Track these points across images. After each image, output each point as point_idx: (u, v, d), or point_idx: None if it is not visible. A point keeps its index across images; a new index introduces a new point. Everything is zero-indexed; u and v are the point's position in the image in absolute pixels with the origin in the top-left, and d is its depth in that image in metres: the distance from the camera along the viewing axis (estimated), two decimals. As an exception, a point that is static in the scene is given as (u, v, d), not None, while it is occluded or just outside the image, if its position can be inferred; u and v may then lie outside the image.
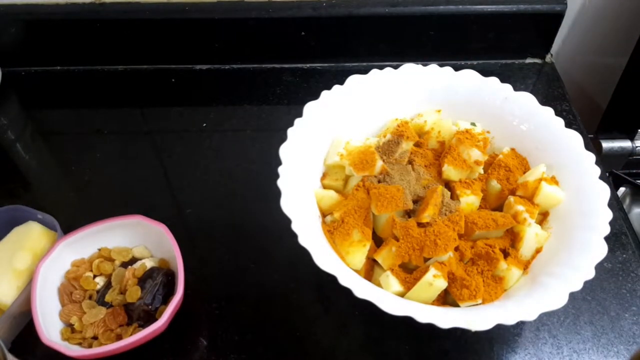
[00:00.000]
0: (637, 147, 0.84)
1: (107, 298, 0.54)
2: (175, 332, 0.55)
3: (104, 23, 0.76)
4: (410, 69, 0.62)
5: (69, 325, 0.53)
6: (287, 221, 0.48)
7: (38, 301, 0.51)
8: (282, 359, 0.54)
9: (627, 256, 0.61)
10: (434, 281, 0.49)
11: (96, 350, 0.50)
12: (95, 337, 0.52)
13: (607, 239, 0.48)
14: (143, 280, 0.54)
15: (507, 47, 0.82)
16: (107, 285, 0.55)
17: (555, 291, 0.46)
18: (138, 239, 0.58)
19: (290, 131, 0.55)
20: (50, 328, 0.51)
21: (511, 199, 0.55)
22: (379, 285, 0.51)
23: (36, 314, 0.50)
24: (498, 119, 0.60)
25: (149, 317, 0.53)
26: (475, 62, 0.83)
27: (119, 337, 0.52)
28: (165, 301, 0.53)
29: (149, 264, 0.56)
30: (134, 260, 0.57)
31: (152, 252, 0.58)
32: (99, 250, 0.57)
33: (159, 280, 0.54)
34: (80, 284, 0.55)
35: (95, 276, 0.56)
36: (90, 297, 0.55)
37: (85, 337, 0.52)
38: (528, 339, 0.55)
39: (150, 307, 0.53)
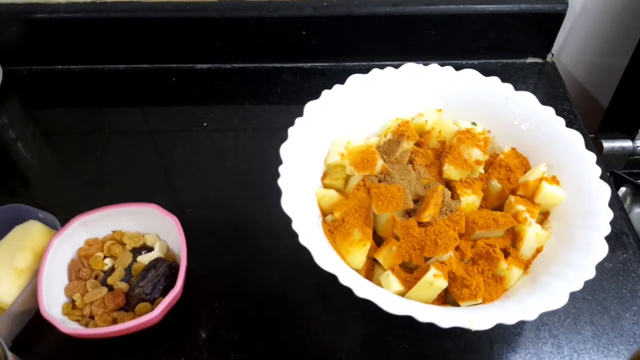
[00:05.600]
0: (638, 147, 0.84)
1: (109, 281, 0.55)
2: (175, 331, 0.55)
3: (105, 22, 0.76)
4: (411, 69, 0.62)
5: (72, 301, 0.55)
6: (288, 220, 0.48)
7: (45, 273, 0.53)
8: (282, 358, 0.54)
9: (628, 256, 0.61)
10: (434, 281, 0.49)
11: (89, 330, 0.51)
12: (92, 317, 0.54)
13: (607, 238, 0.48)
14: (146, 269, 0.55)
15: (508, 46, 0.81)
16: (113, 268, 0.57)
17: (556, 291, 0.46)
18: (150, 227, 0.59)
19: (290, 130, 0.55)
20: (53, 301, 0.53)
21: (512, 198, 0.55)
22: (379, 284, 0.51)
23: (41, 285, 0.52)
24: (499, 119, 0.60)
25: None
26: (476, 62, 0.83)
27: (115, 322, 0.53)
28: (165, 293, 0.53)
29: (155, 254, 0.57)
30: (144, 246, 0.58)
31: (162, 242, 0.59)
32: (113, 232, 0.59)
33: (162, 271, 0.54)
34: (89, 262, 0.57)
35: (105, 257, 0.58)
36: (96, 277, 0.56)
37: (83, 314, 0.53)
38: (528, 338, 0.55)
39: (148, 296, 0.53)
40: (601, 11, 0.81)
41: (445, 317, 0.44)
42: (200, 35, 0.79)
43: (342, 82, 0.60)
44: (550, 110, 0.58)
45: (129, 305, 0.54)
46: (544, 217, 0.56)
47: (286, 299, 0.58)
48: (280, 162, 0.52)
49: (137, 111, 0.78)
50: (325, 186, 0.58)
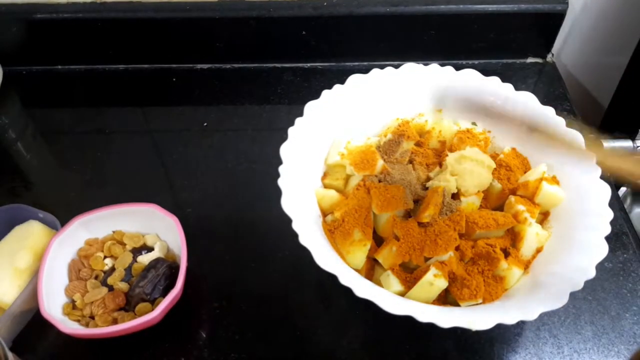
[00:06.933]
0: (638, 146, 0.83)
1: (109, 281, 0.55)
2: (175, 331, 0.55)
3: (105, 22, 0.76)
4: (411, 69, 0.62)
5: (72, 301, 0.55)
6: (288, 220, 0.48)
7: (45, 273, 0.53)
8: (282, 358, 0.54)
9: (628, 256, 0.61)
10: (434, 281, 0.49)
11: (89, 330, 0.51)
12: (92, 317, 0.53)
13: (607, 238, 0.48)
14: (146, 269, 0.55)
15: (508, 46, 0.81)
16: (114, 268, 0.57)
17: (556, 291, 0.46)
18: (151, 227, 0.59)
19: (291, 130, 0.55)
20: (53, 301, 0.53)
21: (512, 198, 0.55)
22: (379, 284, 0.51)
23: (41, 285, 0.52)
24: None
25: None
26: (476, 62, 0.83)
27: (115, 322, 0.53)
28: (165, 294, 0.53)
29: (156, 254, 0.57)
30: (144, 246, 0.58)
31: (162, 242, 0.59)
32: (113, 232, 0.59)
33: (162, 271, 0.54)
34: (89, 262, 0.56)
35: (105, 257, 0.58)
36: (96, 277, 0.56)
37: (84, 314, 0.53)
38: (529, 338, 0.55)
39: (148, 296, 0.53)
40: (601, 11, 0.81)
41: (446, 317, 0.44)
42: (200, 35, 0.79)
43: (342, 82, 0.60)
44: (550, 110, 0.58)
45: (129, 305, 0.54)
46: (544, 217, 0.56)
47: (286, 299, 0.58)
48: (280, 162, 0.52)
49: (137, 111, 0.78)
50: (326, 186, 0.58)
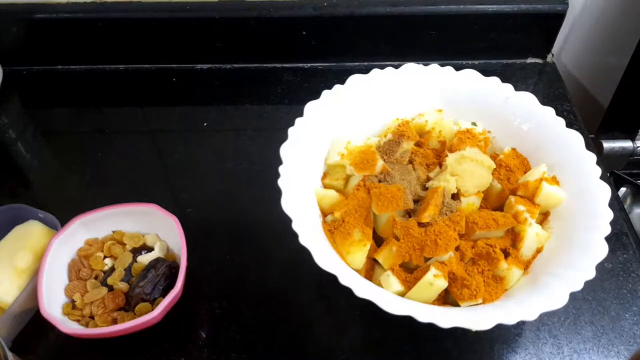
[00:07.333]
0: (638, 147, 0.83)
1: (109, 281, 0.55)
2: (176, 331, 0.55)
3: (105, 22, 0.76)
4: (411, 69, 0.62)
5: (72, 301, 0.55)
6: (288, 221, 0.48)
7: (46, 273, 0.53)
8: (282, 358, 0.54)
9: (628, 256, 0.61)
10: (434, 281, 0.49)
11: (89, 330, 0.51)
12: (92, 317, 0.54)
13: (607, 239, 0.48)
14: (146, 269, 0.55)
15: (508, 46, 0.81)
16: (114, 268, 0.57)
17: (556, 291, 0.46)
18: (150, 227, 0.59)
19: (291, 131, 0.55)
20: (53, 301, 0.53)
21: (512, 198, 0.55)
22: (379, 284, 0.51)
23: (41, 285, 0.52)
24: (499, 119, 0.60)
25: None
26: (476, 62, 0.83)
27: (115, 322, 0.53)
28: (165, 293, 0.53)
29: (156, 254, 0.57)
30: (144, 246, 0.58)
31: (162, 242, 0.59)
32: (113, 232, 0.59)
33: (162, 271, 0.54)
34: (89, 262, 0.57)
35: (105, 257, 0.58)
36: (96, 277, 0.56)
37: (83, 314, 0.53)
38: (528, 338, 0.55)
39: (148, 296, 0.53)
40: (601, 11, 0.81)
41: (446, 318, 0.44)
42: (200, 35, 0.79)
43: (342, 82, 0.60)
44: (550, 111, 0.58)
45: (129, 305, 0.54)
46: (544, 218, 0.56)
47: (286, 299, 0.58)
48: (280, 162, 0.52)
49: (138, 111, 0.78)
50: (326, 186, 0.58)
